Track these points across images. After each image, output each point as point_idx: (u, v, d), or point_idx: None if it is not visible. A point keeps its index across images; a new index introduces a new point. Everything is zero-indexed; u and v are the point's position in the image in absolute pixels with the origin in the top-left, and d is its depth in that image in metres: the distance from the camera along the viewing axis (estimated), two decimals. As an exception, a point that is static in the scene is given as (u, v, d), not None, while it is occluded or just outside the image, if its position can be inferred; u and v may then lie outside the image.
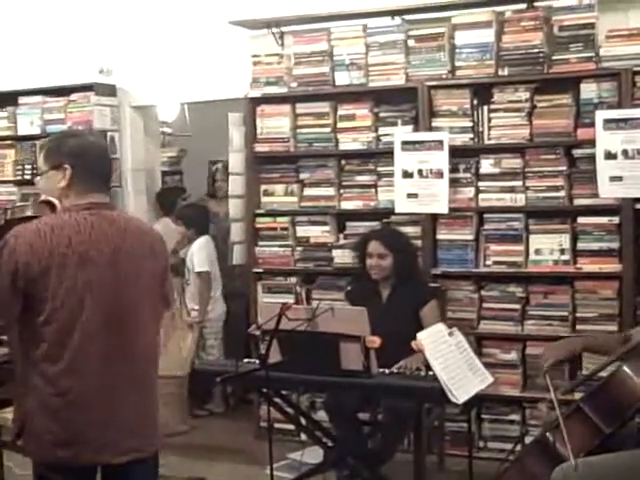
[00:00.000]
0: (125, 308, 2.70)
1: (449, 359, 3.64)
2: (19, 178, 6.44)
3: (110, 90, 6.28)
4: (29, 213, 2.91)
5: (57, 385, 2.63)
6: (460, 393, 3.52)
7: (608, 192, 4.56)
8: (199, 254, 5.98)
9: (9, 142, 6.50)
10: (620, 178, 4.50)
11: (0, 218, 2.95)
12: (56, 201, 2.74)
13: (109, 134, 6.24)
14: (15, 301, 2.61)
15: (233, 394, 6.27)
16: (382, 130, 5.19)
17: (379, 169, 5.21)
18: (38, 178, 2.88)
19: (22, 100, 6.42)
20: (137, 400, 2.75)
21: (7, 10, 6.45)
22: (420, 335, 3.72)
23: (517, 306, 4.88)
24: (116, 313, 2.68)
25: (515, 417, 4.91)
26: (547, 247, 4.81)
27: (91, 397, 2.65)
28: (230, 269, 6.03)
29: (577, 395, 3.71)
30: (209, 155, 7.00)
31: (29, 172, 6.38)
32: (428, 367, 3.73)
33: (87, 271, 2.63)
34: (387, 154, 5.09)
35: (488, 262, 4.94)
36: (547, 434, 3.25)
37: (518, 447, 3.92)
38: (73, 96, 6.24)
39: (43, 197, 2.80)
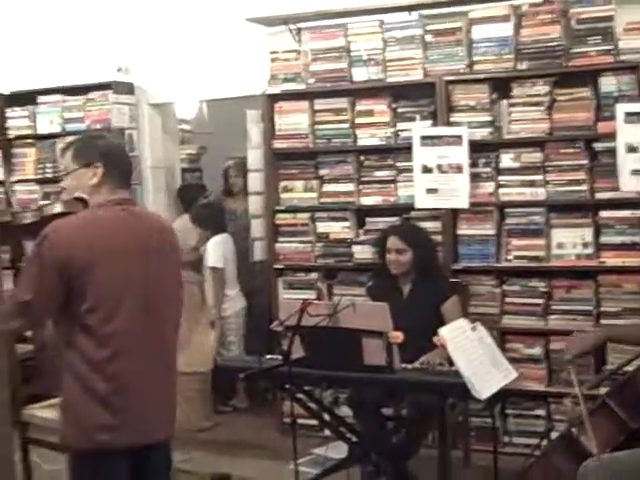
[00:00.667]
0: (156, 297, 2.85)
1: (472, 354, 3.64)
2: (40, 176, 6.49)
3: (128, 88, 6.30)
4: (58, 209, 3.01)
5: (104, 370, 2.75)
6: (483, 389, 3.52)
7: (630, 185, 4.54)
8: (213, 251, 5.99)
9: (29, 141, 6.54)
10: (641, 171, 4.49)
11: (35, 215, 3.10)
12: (88, 198, 2.87)
13: (127, 132, 6.27)
14: (59, 292, 2.71)
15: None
16: (400, 125, 5.18)
17: (398, 164, 5.21)
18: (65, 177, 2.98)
19: (41, 99, 6.46)
20: (167, 384, 2.95)
21: (26, 10, 6.48)
22: (442, 331, 3.72)
23: (540, 301, 4.87)
24: (149, 301, 2.82)
25: (540, 412, 4.90)
26: (569, 241, 4.79)
27: (133, 381, 2.78)
28: (251, 266, 6.04)
29: (603, 390, 3.70)
30: (228, 152, 7.00)
31: (50, 170, 6.43)
32: (451, 362, 3.74)
33: (126, 261, 2.77)
34: (406, 149, 5.09)
35: (509, 257, 4.94)
36: (572, 429, 3.25)
37: (543, 442, 3.92)
38: (92, 94, 6.28)
39: (76, 194, 2.90)
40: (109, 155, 2.91)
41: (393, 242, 4.61)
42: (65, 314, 2.76)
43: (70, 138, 6.12)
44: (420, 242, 4.66)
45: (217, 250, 5.99)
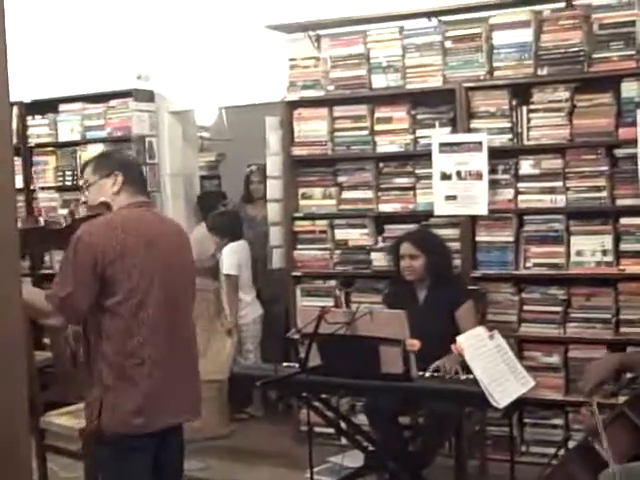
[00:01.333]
0: (179, 289, 3.17)
1: (489, 362, 3.61)
2: (60, 184, 6.52)
3: (148, 96, 6.33)
4: (83, 214, 3.27)
5: (137, 356, 3.02)
6: (501, 397, 3.49)
7: (651, 192, 4.50)
8: (228, 258, 5.99)
9: (50, 149, 6.58)
10: (663, 178, 4.44)
11: (66, 219, 3.33)
12: (111, 202, 3.19)
13: (147, 139, 6.30)
14: (94, 286, 2.99)
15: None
16: (420, 132, 5.16)
17: (417, 171, 5.19)
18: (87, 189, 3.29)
19: (62, 107, 6.50)
20: (191, 367, 3.24)
21: (47, 19, 6.53)
22: (460, 338, 3.69)
23: (559, 308, 4.82)
24: (174, 293, 3.13)
25: (558, 421, 4.85)
26: (589, 248, 4.74)
27: (162, 366, 3.05)
28: (269, 273, 6.03)
29: (621, 399, 3.64)
30: (247, 159, 7.00)
31: (70, 178, 6.47)
32: (465, 367, 3.71)
33: (153, 255, 3.07)
34: (425, 156, 5.07)
35: (528, 264, 4.89)
36: (589, 439, 3.20)
37: (561, 452, 3.86)
38: (112, 102, 6.31)
39: (101, 199, 3.20)
40: (126, 165, 3.28)
41: (406, 248, 4.58)
42: (99, 307, 3.02)
43: (91, 149, 6.27)
44: (433, 247, 4.63)
45: (231, 257, 5.98)
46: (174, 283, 3.13)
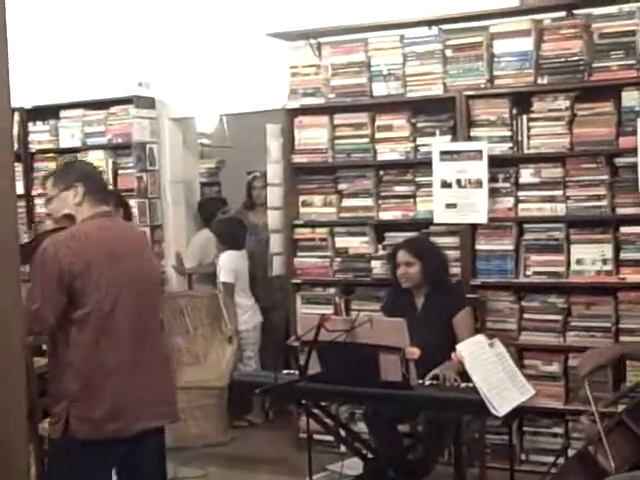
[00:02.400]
0: (146, 295, 3.20)
1: (489, 370, 3.61)
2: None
3: (149, 103, 6.34)
4: (49, 227, 3.35)
5: (103, 366, 3.04)
6: (501, 405, 3.48)
7: (651, 201, 4.50)
8: (224, 265, 6.00)
9: (51, 155, 6.58)
10: (663, 187, 4.44)
11: (30, 234, 3.32)
12: (75, 214, 3.21)
13: (148, 146, 6.31)
14: (62, 298, 3.03)
15: (273, 405, 6.27)
16: (420, 140, 5.17)
17: (417, 179, 5.19)
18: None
19: (63, 113, 6.51)
20: (162, 371, 3.25)
21: (48, 25, 6.54)
22: (459, 346, 3.69)
23: (559, 317, 4.82)
24: (141, 299, 3.16)
25: (558, 430, 4.85)
26: (589, 257, 4.74)
27: (130, 372, 3.08)
28: (269, 280, 6.03)
29: (620, 407, 3.64)
30: (247, 166, 7.02)
31: (70, 184, 6.46)
32: (464, 376, 3.71)
33: (119, 265, 3.11)
34: (425, 164, 5.07)
35: (528, 272, 4.89)
36: (589, 447, 3.20)
37: (560, 460, 3.86)
38: (113, 109, 6.32)
39: (65, 211, 3.23)
40: (86, 176, 3.29)
41: (402, 256, 4.59)
42: (67, 319, 3.05)
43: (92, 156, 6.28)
44: (429, 255, 4.62)
45: (228, 265, 5.99)
46: (140, 290, 3.17)
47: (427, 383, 3.89)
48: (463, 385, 3.78)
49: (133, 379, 3.09)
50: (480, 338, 3.80)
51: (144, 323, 3.17)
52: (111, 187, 6.26)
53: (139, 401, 3.11)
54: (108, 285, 3.05)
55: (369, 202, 5.33)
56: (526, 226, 4.91)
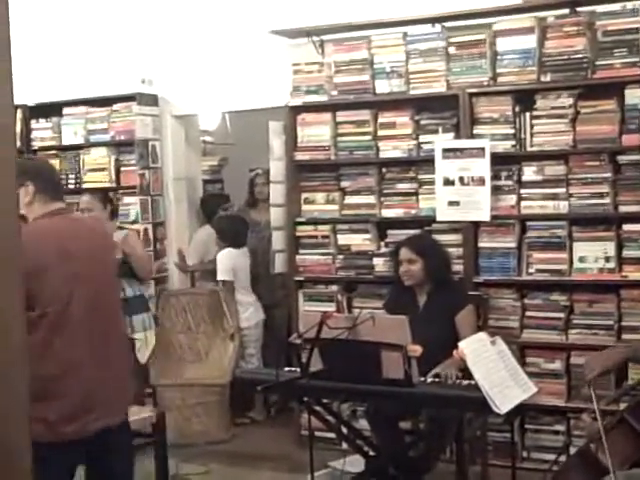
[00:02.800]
0: (100, 291, 3.14)
1: (491, 368, 3.61)
2: (63, 187, 6.51)
3: (152, 100, 6.34)
4: None
5: (58, 367, 2.97)
6: (502, 403, 3.49)
7: (654, 199, 4.50)
8: (222, 263, 5.99)
9: (54, 152, 6.58)
10: (666, 184, 4.44)
11: None
12: (26, 214, 3.12)
13: (151, 143, 6.31)
14: None
15: (275, 403, 6.27)
16: (423, 138, 5.17)
17: (420, 177, 5.19)
18: None
19: (66, 111, 6.51)
20: (119, 370, 3.19)
21: (51, 22, 6.54)
22: (461, 344, 3.70)
23: (561, 315, 4.82)
24: (95, 296, 3.09)
25: (559, 427, 4.84)
26: (592, 255, 4.74)
27: (84, 372, 3.00)
28: (272, 278, 6.03)
29: (622, 405, 3.64)
30: (250, 164, 7.02)
31: (72, 181, 6.48)
32: (464, 373, 3.71)
33: (72, 265, 3.03)
34: (428, 162, 5.07)
35: (531, 270, 4.89)
36: (591, 445, 3.20)
37: (562, 458, 3.86)
38: (116, 106, 6.32)
39: None
40: (37, 173, 3.18)
41: (404, 253, 4.59)
42: None
43: (94, 153, 6.26)
44: (431, 252, 4.62)
45: (225, 262, 5.98)
46: (94, 287, 3.11)
47: (429, 381, 3.89)
48: (465, 383, 3.78)
49: (90, 378, 3.03)
50: (482, 336, 3.80)
51: (100, 321, 3.12)
52: (107, 185, 6.29)
53: (98, 400, 3.05)
54: (61, 285, 3.00)
55: (372, 199, 5.33)
56: (529, 224, 4.91)
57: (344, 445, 4.86)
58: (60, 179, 3.65)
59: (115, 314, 3.29)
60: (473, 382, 3.56)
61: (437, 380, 3.91)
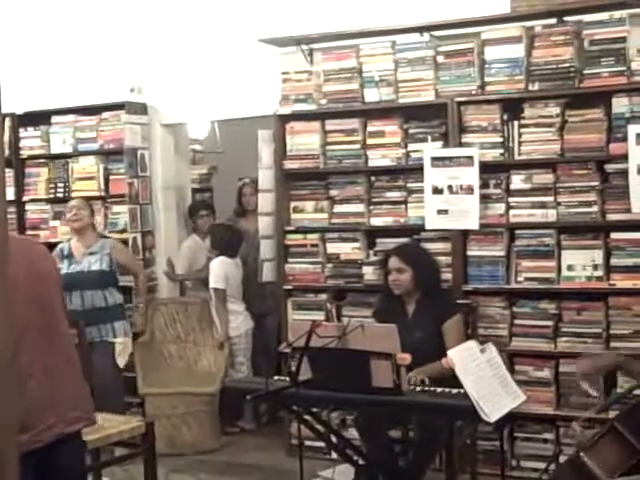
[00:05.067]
0: (45, 304, 3.13)
1: (480, 377, 3.61)
2: (52, 196, 6.50)
3: (141, 108, 6.33)
4: None
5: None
6: (492, 412, 3.49)
7: (641, 207, 4.51)
8: (215, 271, 5.98)
9: (42, 160, 6.56)
10: (654, 193, 4.45)
11: None
12: None
13: (139, 152, 6.29)
14: None
15: (266, 412, 6.26)
16: (412, 146, 5.17)
17: (409, 185, 5.20)
18: None
19: (55, 119, 6.49)
20: (71, 379, 3.15)
21: (39, 31, 6.53)
22: (450, 352, 3.70)
23: (550, 323, 4.83)
24: (44, 318, 3.09)
25: (549, 436, 4.84)
26: (580, 263, 4.75)
27: (34, 381, 2.96)
28: (261, 286, 6.02)
29: (612, 414, 3.65)
30: (239, 172, 7.01)
31: (61, 190, 6.46)
32: (444, 381, 3.71)
33: (20, 287, 2.96)
34: (417, 170, 5.08)
35: (520, 278, 4.90)
36: (581, 454, 3.20)
37: (552, 466, 3.87)
38: (105, 114, 6.31)
39: None
40: None
41: (393, 262, 4.59)
42: None
43: (83, 162, 6.25)
44: (420, 261, 4.63)
45: (218, 270, 5.97)
46: (47, 309, 3.10)
47: (418, 389, 3.89)
48: (454, 391, 3.77)
49: (39, 388, 2.98)
50: (471, 344, 3.80)
51: (49, 333, 3.10)
52: (96, 193, 6.28)
53: (48, 410, 3.01)
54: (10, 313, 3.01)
55: (360, 208, 5.33)
56: (517, 232, 4.92)
57: (334, 454, 4.86)
58: None
59: (59, 322, 3.22)
60: (462, 390, 3.56)
61: (427, 389, 3.91)
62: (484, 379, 3.61)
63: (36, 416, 2.96)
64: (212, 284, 5.97)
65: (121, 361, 5.53)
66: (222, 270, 5.98)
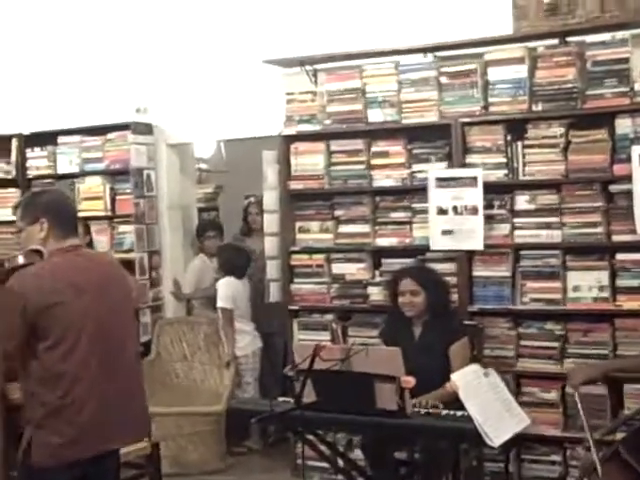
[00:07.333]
0: (114, 328, 3.26)
1: (484, 400, 3.61)
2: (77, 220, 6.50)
3: (147, 129, 6.35)
4: (21, 261, 3.34)
5: (68, 396, 3.12)
6: (496, 436, 3.49)
7: (646, 228, 4.50)
8: (222, 291, 6.00)
9: (49, 180, 6.57)
10: (658, 214, 4.45)
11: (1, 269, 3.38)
12: (42, 249, 3.27)
13: (145, 172, 6.32)
14: (24, 331, 3.12)
15: (273, 432, 6.23)
16: (416, 167, 5.17)
17: (413, 206, 5.20)
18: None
19: (61, 140, 6.52)
20: (127, 399, 3.29)
21: (45, 52, 6.57)
22: (454, 376, 3.70)
23: (556, 344, 4.80)
24: (108, 331, 3.22)
25: (556, 457, 4.81)
26: (586, 284, 4.73)
27: (93, 400, 3.15)
28: (268, 306, 6.02)
29: (620, 435, 3.64)
30: (245, 191, 7.03)
31: (68, 210, 6.47)
32: (449, 405, 3.70)
33: (83, 300, 3.17)
34: (421, 191, 5.09)
35: (525, 299, 4.88)
36: (584, 479, 3.20)
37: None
38: (110, 135, 6.33)
39: (32, 246, 3.28)
40: (52, 209, 3.30)
41: (406, 284, 4.58)
42: (30, 350, 3.14)
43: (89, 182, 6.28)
44: (433, 283, 4.62)
45: (226, 290, 5.98)
46: (108, 322, 3.23)
47: (423, 412, 3.88)
48: (459, 414, 3.76)
49: (96, 409, 3.15)
50: (475, 367, 3.81)
51: (112, 353, 3.23)
52: (102, 213, 6.32)
53: (101, 427, 3.17)
54: (70, 322, 3.13)
55: (366, 228, 5.34)
56: (522, 253, 4.91)
57: (339, 476, 4.85)
58: (76, 212, 3.71)
59: (130, 349, 3.37)
60: (467, 413, 3.55)
61: (431, 411, 3.90)
62: (488, 403, 3.60)
63: (85, 434, 3.13)
64: (219, 304, 5.99)
65: None
66: (229, 290, 5.99)
